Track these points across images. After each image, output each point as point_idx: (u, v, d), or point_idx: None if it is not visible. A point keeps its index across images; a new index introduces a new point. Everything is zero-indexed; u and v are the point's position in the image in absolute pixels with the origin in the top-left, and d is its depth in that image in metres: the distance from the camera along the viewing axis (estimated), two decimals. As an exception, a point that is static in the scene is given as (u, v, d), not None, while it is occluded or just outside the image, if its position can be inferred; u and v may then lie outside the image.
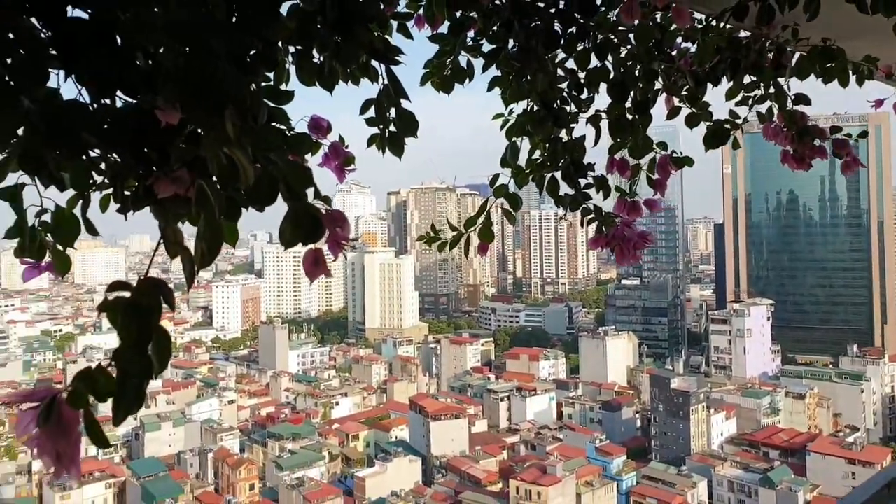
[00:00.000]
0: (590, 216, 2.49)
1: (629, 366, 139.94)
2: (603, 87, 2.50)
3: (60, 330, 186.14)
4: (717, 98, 3.09)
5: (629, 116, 2.53)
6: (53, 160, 1.27)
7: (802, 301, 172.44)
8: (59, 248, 1.50)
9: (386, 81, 1.78)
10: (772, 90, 2.93)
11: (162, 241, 1.06)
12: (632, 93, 2.52)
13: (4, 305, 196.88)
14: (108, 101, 1.18)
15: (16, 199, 1.38)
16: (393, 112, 1.86)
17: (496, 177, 2.52)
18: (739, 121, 2.99)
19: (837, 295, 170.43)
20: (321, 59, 1.70)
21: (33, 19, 1.17)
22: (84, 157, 1.27)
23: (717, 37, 2.71)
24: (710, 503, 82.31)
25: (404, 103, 1.83)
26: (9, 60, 1.15)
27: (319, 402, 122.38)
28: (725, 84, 2.93)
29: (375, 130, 1.97)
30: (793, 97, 2.90)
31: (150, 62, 1.12)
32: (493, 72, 2.40)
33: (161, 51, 1.11)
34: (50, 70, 1.17)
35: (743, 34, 2.96)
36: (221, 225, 1.02)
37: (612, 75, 2.49)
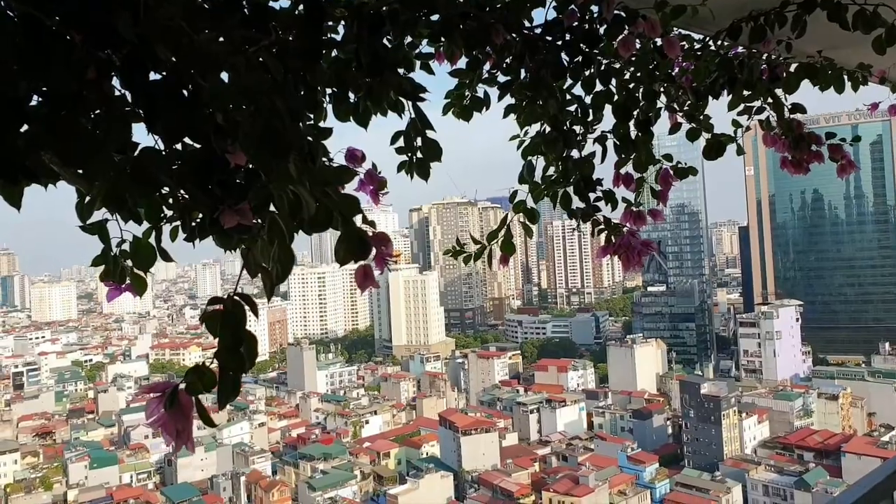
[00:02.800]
0: (599, 227, 2.70)
1: (658, 373, 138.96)
2: (608, 108, 2.73)
3: (91, 359, 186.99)
4: (722, 108, 3.29)
5: (633, 134, 2.75)
6: (131, 198, 1.51)
7: (831, 301, 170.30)
8: (137, 272, 1.73)
9: (413, 115, 2.01)
10: (770, 100, 3.13)
11: (244, 264, 1.29)
12: (635, 112, 2.74)
13: (35, 338, 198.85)
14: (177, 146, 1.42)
15: (102, 232, 1.61)
16: (419, 141, 2.11)
17: (515, 193, 2.77)
18: (741, 130, 3.20)
19: (867, 293, 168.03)
20: (356, 98, 1.94)
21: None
22: (157, 194, 1.51)
23: (711, 57, 2.92)
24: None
25: (429, 133, 2.07)
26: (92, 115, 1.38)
27: (349, 422, 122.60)
28: (727, 97, 3.14)
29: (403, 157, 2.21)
30: (789, 106, 3.09)
31: (225, 116, 1.35)
32: (508, 99, 2.64)
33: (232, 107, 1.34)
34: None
35: (742, 50, 3.16)
36: (292, 249, 1.26)
37: (615, 98, 2.72)
